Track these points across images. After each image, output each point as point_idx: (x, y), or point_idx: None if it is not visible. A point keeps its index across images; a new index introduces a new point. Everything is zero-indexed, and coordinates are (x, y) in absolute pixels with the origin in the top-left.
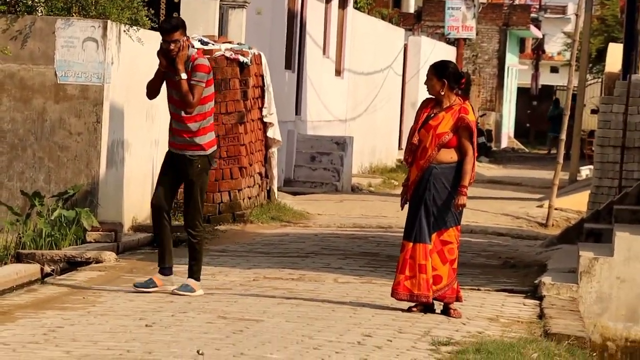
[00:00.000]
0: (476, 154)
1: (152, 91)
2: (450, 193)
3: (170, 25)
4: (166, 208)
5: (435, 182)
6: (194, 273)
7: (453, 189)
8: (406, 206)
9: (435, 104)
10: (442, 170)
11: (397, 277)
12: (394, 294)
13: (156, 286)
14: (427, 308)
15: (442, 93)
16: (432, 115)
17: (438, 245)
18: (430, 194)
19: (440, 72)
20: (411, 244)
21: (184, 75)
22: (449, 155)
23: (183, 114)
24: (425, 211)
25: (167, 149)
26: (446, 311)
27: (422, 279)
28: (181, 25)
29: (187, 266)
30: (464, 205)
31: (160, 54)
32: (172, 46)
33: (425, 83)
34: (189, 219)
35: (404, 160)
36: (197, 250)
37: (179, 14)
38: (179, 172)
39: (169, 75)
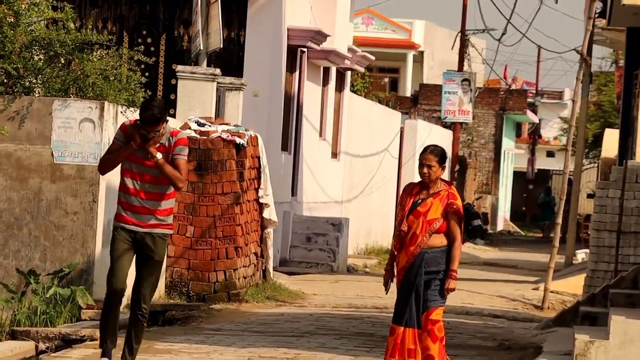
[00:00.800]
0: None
1: (109, 166)
2: (441, 274)
3: (155, 118)
4: (124, 287)
5: (426, 266)
6: (133, 356)
7: (443, 271)
8: (393, 289)
9: (419, 189)
10: (434, 255)
11: None
12: None
13: None
14: None
15: (438, 179)
16: (420, 201)
17: (427, 325)
18: (421, 279)
19: (443, 158)
20: (402, 328)
21: (159, 156)
22: (439, 240)
23: (164, 190)
24: (416, 296)
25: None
26: None
27: None
28: (165, 114)
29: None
30: (453, 290)
31: (134, 131)
32: (152, 135)
33: (423, 167)
34: (145, 298)
35: (392, 247)
36: (142, 331)
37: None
38: (139, 251)
39: (139, 153)
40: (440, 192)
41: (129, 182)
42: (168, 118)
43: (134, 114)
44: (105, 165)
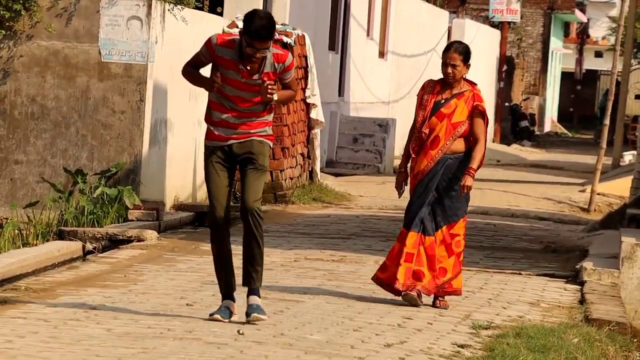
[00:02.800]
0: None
1: (189, 81)
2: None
3: (266, 30)
4: (228, 223)
5: (448, 172)
6: (257, 282)
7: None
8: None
9: (441, 88)
10: (455, 161)
11: (402, 266)
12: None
13: (232, 315)
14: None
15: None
16: (443, 101)
17: (447, 238)
18: (442, 185)
19: (467, 56)
20: (414, 234)
21: (275, 96)
22: (462, 145)
23: (263, 109)
24: (436, 202)
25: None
26: (434, 302)
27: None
28: (274, 29)
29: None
30: (470, 188)
31: (226, 53)
32: (258, 55)
33: (447, 67)
34: (254, 200)
35: (410, 149)
36: (259, 246)
37: None
38: (240, 163)
39: (233, 75)
40: (465, 93)
41: (222, 101)
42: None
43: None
44: (187, 78)
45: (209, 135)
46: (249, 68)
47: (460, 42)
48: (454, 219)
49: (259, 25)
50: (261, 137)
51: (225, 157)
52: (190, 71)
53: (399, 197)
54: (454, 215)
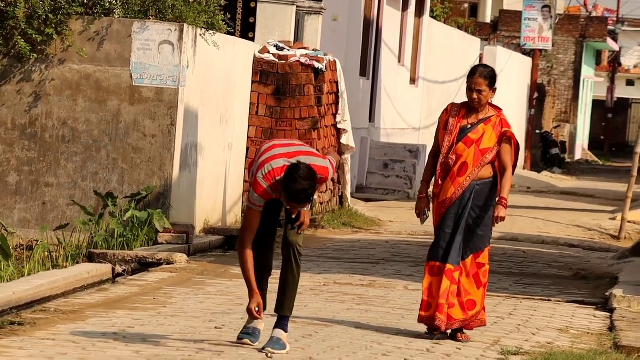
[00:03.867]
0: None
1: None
2: (490, 209)
3: (306, 196)
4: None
5: (477, 200)
6: (285, 310)
7: (491, 206)
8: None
9: (467, 112)
10: (482, 187)
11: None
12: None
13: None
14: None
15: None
16: (470, 127)
17: (474, 268)
18: (472, 213)
19: (493, 81)
20: (448, 265)
21: (307, 207)
22: (489, 171)
23: None
24: (464, 231)
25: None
26: (454, 335)
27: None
28: (316, 188)
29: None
30: (503, 219)
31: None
32: (298, 210)
33: (473, 92)
34: (294, 236)
35: (428, 174)
36: (294, 276)
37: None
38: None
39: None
40: (492, 119)
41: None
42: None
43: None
44: (240, 258)
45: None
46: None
47: (485, 66)
48: (481, 247)
49: (299, 189)
50: None
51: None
52: (245, 260)
53: (422, 224)
54: (482, 243)
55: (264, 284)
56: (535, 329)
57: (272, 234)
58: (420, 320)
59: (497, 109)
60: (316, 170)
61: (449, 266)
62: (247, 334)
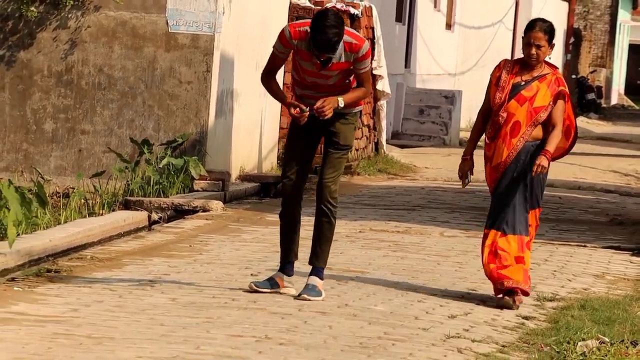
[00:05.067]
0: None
1: (268, 91)
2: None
3: (331, 44)
4: (301, 190)
5: (531, 160)
6: (320, 263)
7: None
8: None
9: (520, 69)
10: (537, 149)
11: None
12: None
13: (278, 287)
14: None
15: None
16: (523, 84)
17: (534, 220)
18: (529, 175)
19: (552, 36)
20: (500, 234)
21: (342, 103)
22: (542, 131)
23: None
24: (523, 194)
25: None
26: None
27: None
28: (342, 33)
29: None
30: (545, 169)
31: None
32: (326, 56)
33: (531, 47)
34: (329, 190)
35: (476, 132)
36: (328, 230)
37: None
38: (325, 136)
39: (307, 65)
40: (547, 76)
41: (301, 87)
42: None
43: None
44: (267, 89)
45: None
46: (322, 59)
47: (544, 20)
48: (533, 206)
49: (325, 39)
50: (347, 107)
51: (310, 125)
52: (270, 85)
53: (463, 187)
54: (535, 202)
55: (295, 235)
56: (571, 275)
57: (304, 174)
58: (485, 271)
59: (553, 67)
60: (351, 36)
61: (498, 234)
62: (260, 281)
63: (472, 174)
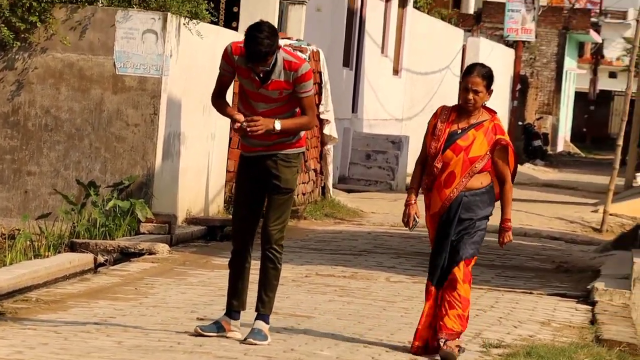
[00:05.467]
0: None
1: (217, 110)
2: (477, 222)
3: (261, 55)
4: (250, 238)
5: (463, 212)
6: (265, 309)
7: (483, 218)
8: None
9: (457, 116)
10: (471, 199)
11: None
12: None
13: (224, 331)
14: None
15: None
16: (459, 132)
17: (467, 275)
18: (460, 224)
19: (491, 81)
20: (435, 289)
21: (278, 126)
22: (479, 181)
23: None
24: (450, 249)
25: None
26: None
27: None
28: (275, 45)
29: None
30: (510, 241)
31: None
32: (260, 69)
33: (469, 92)
34: (273, 235)
35: (415, 180)
36: (275, 276)
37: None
38: (264, 179)
39: (249, 86)
40: (484, 124)
41: (246, 111)
42: (281, 43)
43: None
44: (216, 108)
45: (241, 146)
46: (261, 76)
47: (483, 65)
48: (464, 255)
49: (257, 49)
50: (287, 147)
51: (254, 170)
52: (218, 104)
53: (410, 231)
54: (472, 250)
55: (244, 281)
56: (517, 321)
57: (254, 222)
58: (412, 351)
59: (492, 112)
60: (291, 55)
61: (433, 289)
62: (206, 326)
63: (419, 217)
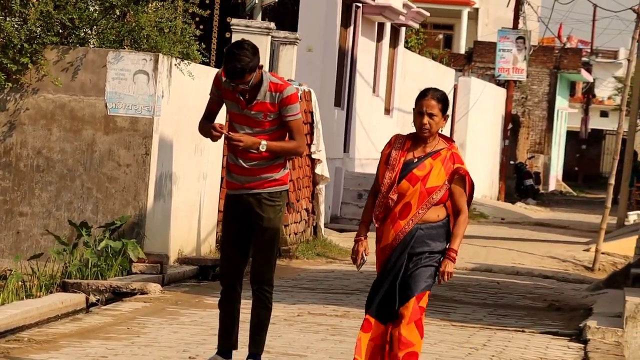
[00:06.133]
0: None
1: (203, 134)
2: (431, 255)
3: (236, 72)
4: (239, 278)
5: (415, 245)
6: (257, 348)
7: (438, 252)
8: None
9: (412, 145)
10: (427, 232)
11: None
12: None
13: None
14: None
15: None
16: (416, 161)
17: (416, 313)
18: (412, 258)
19: (446, 105)
20: (378, 324)
21: (263, 147)
22: (436, 214)
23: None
24: (399, 283)
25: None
26: None
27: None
28: (253, 62)
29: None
30: (451, 275)
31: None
32: (241, 87)
33: (423, 116)
34: (262, 275)
35: (366, 214)
36: (266, 316)
37: None
38: (249, 219)
39: (235, 109)
40: (441, 152)
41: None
42: (262, 64)
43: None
44: (201, 132)
45: (226, 184)
46: (247, 97)
47: (436, 89)
48: (423, 289)
49: (232, 67)
50: (272, 185)
51: (239, 209)
52: (202, 124)
53: (358, 270)
54: (426, 285)
55: (235, 321)
56: None
57: (241, 261)
58: None
59: (449, 140)
60: (278, 78)
61: (376, 323)
62: None
63: (367, 254)
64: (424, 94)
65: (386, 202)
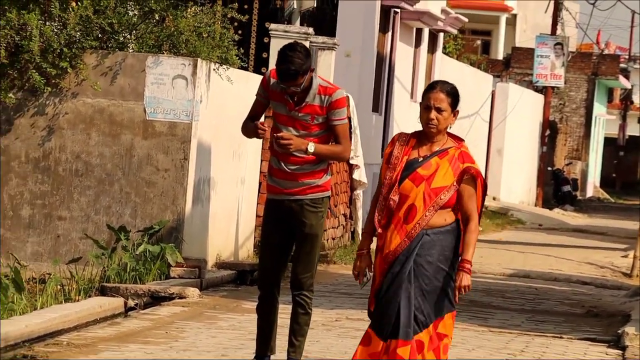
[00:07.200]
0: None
1: (246, 134)
2: (447, 269)
3: (289, 74)
4: (277, 283)
5: (426, 253)
6: (296, 353)
7: (451, 264)
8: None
9: (417, 143)
10: (435, 237)
11: None
12: None
13: None
14: None
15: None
16: (420, 160)
17: (435, 341)
18: (420, 270)
19: (456, 100)
20: (381, 342)
21: (311, 148)
22: (443, 217)
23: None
24: (407, 294)
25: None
26: None
27: None
28: (306, 65)
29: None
30: (468, 288)
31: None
32: (292, 89)
33: (430, 110)
34: (303, 282)
35: (369, 223)
36: (306, 322)
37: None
38: (291, 224)
39: (282, 110)
40: (449, 151)
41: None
42: (314, 67)
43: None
44: (243, 132)
45: (267, 188)
46: (296, 99)
47: (446, 82)
48: (439, 313)
49: (285, 69)
50: (314, 191)
51: (280, 214)
52: (245, 124)
53: (361, 288)
54: (439, 309)
55: (273, 326)
56: None
57: (280, 266)
58: None
59: (458, 139)
60: (327, 82)
61: (379, 342)
62: None
63: (371, 271)
64: (432, 87)
65: (387, 205)
